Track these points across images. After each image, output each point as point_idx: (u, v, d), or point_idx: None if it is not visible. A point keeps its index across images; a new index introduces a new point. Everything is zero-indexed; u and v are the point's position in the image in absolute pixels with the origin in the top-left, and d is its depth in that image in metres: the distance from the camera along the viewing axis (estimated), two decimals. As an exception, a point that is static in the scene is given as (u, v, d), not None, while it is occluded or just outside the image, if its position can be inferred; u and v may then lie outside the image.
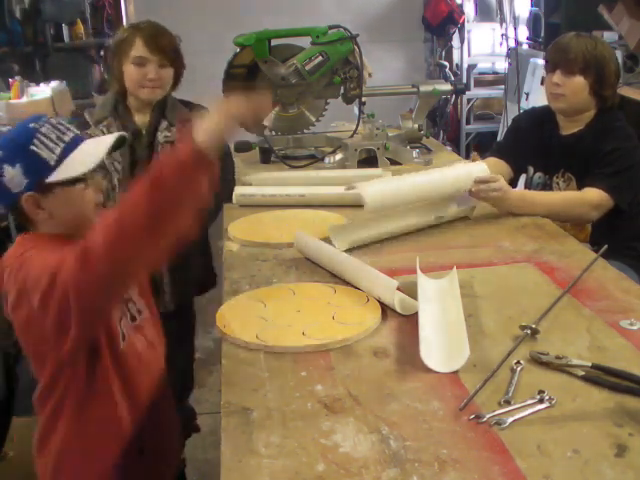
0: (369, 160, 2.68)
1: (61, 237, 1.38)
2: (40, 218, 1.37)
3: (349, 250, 1.88)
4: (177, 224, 1.21)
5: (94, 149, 1.38)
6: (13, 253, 1.35)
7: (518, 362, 1.32)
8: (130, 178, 2.13)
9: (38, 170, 1.34)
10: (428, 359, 1.32)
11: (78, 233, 1.36)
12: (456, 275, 1.64)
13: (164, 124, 2.22)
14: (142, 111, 2.25)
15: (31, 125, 1.36)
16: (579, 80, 2.25)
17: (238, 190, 2.33)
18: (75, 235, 1.36)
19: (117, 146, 1.44)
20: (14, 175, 1.34)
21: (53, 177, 1.34)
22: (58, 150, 1.34)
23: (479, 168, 2.11)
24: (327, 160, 2.76)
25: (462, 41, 6.32)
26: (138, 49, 2.17)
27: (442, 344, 1.39)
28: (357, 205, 2.06)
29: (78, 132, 1.42)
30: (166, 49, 2.19)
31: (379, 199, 1.93)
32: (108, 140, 1.41)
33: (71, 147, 1.36)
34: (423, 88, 2.92)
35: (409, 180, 2.07)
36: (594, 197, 2.18)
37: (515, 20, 5.64)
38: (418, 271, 1.65)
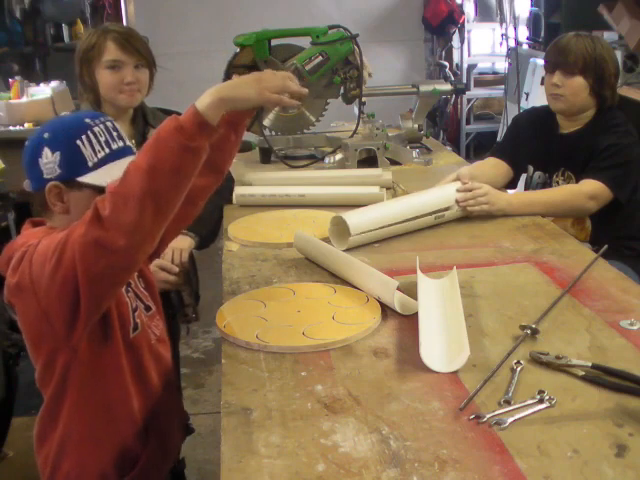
0: (369, 160, 2.68)
1: None
2: (56, 210, 1.36)
3: (349, 250, 1.88)
4: (180, 189, 1.22)
5: None
6: (26, 241, 1.33)
7: (518, 362, 1.32)
8: None
9: (74, 166, 1.33)
10: (428, 359, 1.32)
11: None
12: (456, 275, 1.64)
13: (152, 132, 2.13)
14: (121, 119, 2.11)
15: (87, 120, 1.35)
16: (579, 81, 2.24)
17: (238, 190, 2.33)
18: None
19: None
20: (50, 161, 1.33)
21: (86, 178, 1.33)
22: (102, 154, 1.34)
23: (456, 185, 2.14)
24: (327, 160, 2.76)
25: (462, 41, 6.33)
26: (111, 52, 2.04)
27: (442, 344, 1.39)
28: (357, 206, 2.06)
29: (131, 145, 1.41)
30: (140, 49, 2.08)
31: (361, 228, 1.92)
32: None
33: (115, 156, 1.35)
34: (423, 88, 2.92)
35: (390, 206, 2.07)
36: (590, 188, 2.18)
37: (515, 20, 5.65)
38: (418, 271, 1.66)
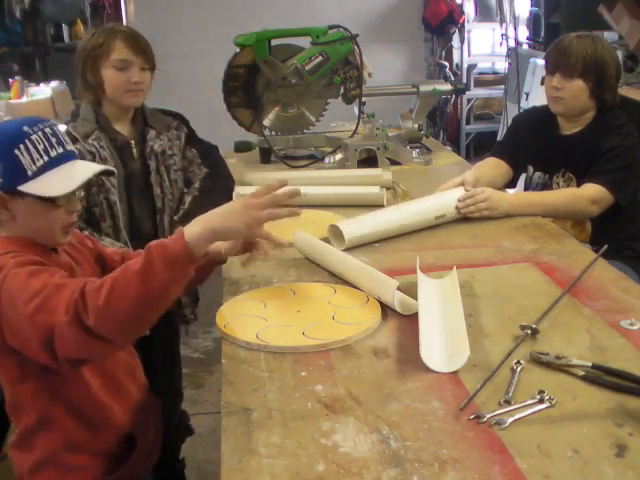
0: (369, 160, 2.68)
1: (30, 243, 1.36)
2: (2, 217, 1.35)
3: (348, 250, 1.88)
4: (164, 306, 1.26)
5: (76, 174, 1.36)
6: None
7: (518, 362, 1.32)
8: (125, 193, 2.05)
9: (13, 175, 1.31)
10: (428, 359, 1.32)
11: (45, 243, 1.38)
12: (456, 275, 1.64)
13: (152, 133, 2.12)
14: (121, 120, 2.12)
15: (24, 128, 1.34)
16: (579, 84, 2.24)
17: (238, 190, 2.33)
18: (44, 245, 1.37)
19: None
20: None
21: (26, 187, 1.32)
22: (40, 162, 1.32)
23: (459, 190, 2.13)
24: (327, 160, 2.76)
25: (462, 41, 6.33)
26: (120, 52, 2.04)
27: (442, 344, 1.39)
28: (357, 205, 2.06)
29: (72, 148, 1.40)
30: (147, 51, 2.08)
31: (357, 238, 1.92)
32: (94, 169, 1.40)
33: (55, 163, 1.34)
34: (423, 88, 2.92)
35: (388, 215, 2.05)
36: (592, 192, 2.17)
37: (515, 20, 5.64)
38: (418, 271, 1.65)
